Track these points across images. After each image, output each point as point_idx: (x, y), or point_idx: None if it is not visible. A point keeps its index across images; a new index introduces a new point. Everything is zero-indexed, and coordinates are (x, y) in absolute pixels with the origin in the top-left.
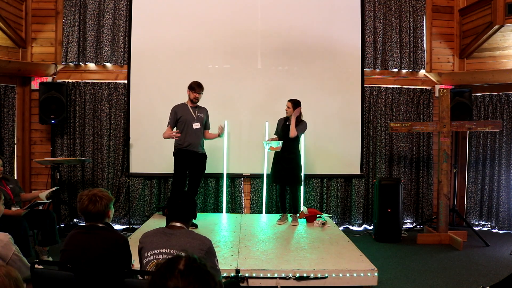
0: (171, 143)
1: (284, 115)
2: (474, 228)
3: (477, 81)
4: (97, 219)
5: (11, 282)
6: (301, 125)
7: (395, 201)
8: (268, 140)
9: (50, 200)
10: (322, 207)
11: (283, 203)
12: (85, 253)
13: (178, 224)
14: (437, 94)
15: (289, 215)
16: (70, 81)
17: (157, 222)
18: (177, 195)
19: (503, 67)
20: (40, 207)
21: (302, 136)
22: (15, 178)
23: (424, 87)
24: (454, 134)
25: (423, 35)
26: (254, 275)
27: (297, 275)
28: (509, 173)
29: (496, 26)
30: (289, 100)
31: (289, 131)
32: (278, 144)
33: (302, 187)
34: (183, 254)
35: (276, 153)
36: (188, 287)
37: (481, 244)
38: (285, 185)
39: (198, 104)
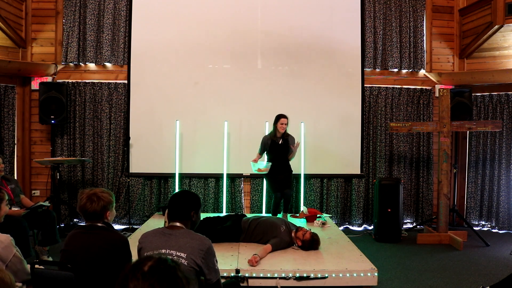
0: (169, 143)
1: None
2: (474, 228)
3: (477, 81)
4: (94, 218)
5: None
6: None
7: (395, 201)
8: (254, 161)
9: (50, 204)
10: (322, 207)
11: (277, 208)
12: (85, 253)
13: (178, 224)
14: (437, 94)
15: (289, 215)
16: (70, 81)
17: (157, 222)
18: (178, 195)
19: (503, 67)
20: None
21: (302, 136)
22: (15, 178)
23: (424, 87)
24: (454, 134)
25: (423, 35)
26: (254, 275)
27: (297, 275)
28: (509, 173)
29: (496, 26)
30: (286, 117)
31: (282, 151)
32: (266, 166)
33: (302, 187)
34: (180, 257)
35: (273, 165)
36: None
37: (481, 244)
38: (285, 190)
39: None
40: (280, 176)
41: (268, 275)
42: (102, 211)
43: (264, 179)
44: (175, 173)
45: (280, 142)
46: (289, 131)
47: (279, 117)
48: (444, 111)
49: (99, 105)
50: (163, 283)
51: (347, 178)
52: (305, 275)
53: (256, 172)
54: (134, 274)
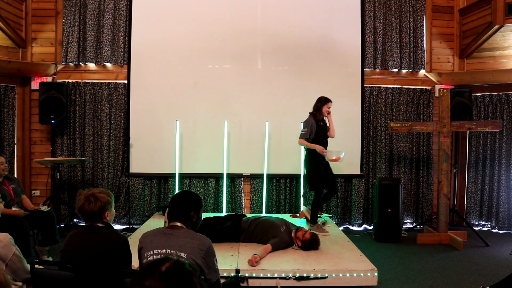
0: (169, 143)
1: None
2: (474, 228)
3: (477, 81)
4: (92, 219)
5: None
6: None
7: (395, 201)
8: (322, 150)
9: (49, 208)
10: (322, 207)
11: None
12: (85, 253)
13: (178, 224)
14: (437, 94)
15: (289, 215)
16: (70, 81)
17: (157, 222)
18: (179, 195)
19: (503, 67)
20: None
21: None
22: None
23: (424, 87)
24: (454, 134)
25: (423, 35)
26: (254, 275)
27: (297, 275)
28: (509, 173)
29: (496, 26)
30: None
31: (325, 132)
32: (341, 155)
33: (302, 187)
34: (180, 257)
35: (322, 158)
36: None
37: (481, 244)
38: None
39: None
40: (331, 170)
41: (268, 275)
42: (100, 212)
43: (311, 172)
44: (175, 173)
45: (322, 123)
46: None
47: (326, 100)
48: (444, 111)
49: (99, 105)
50: (178, 286)
51: (347, 178)
52: (305, 275)
53: (327, 160)
54: (151, 272)
